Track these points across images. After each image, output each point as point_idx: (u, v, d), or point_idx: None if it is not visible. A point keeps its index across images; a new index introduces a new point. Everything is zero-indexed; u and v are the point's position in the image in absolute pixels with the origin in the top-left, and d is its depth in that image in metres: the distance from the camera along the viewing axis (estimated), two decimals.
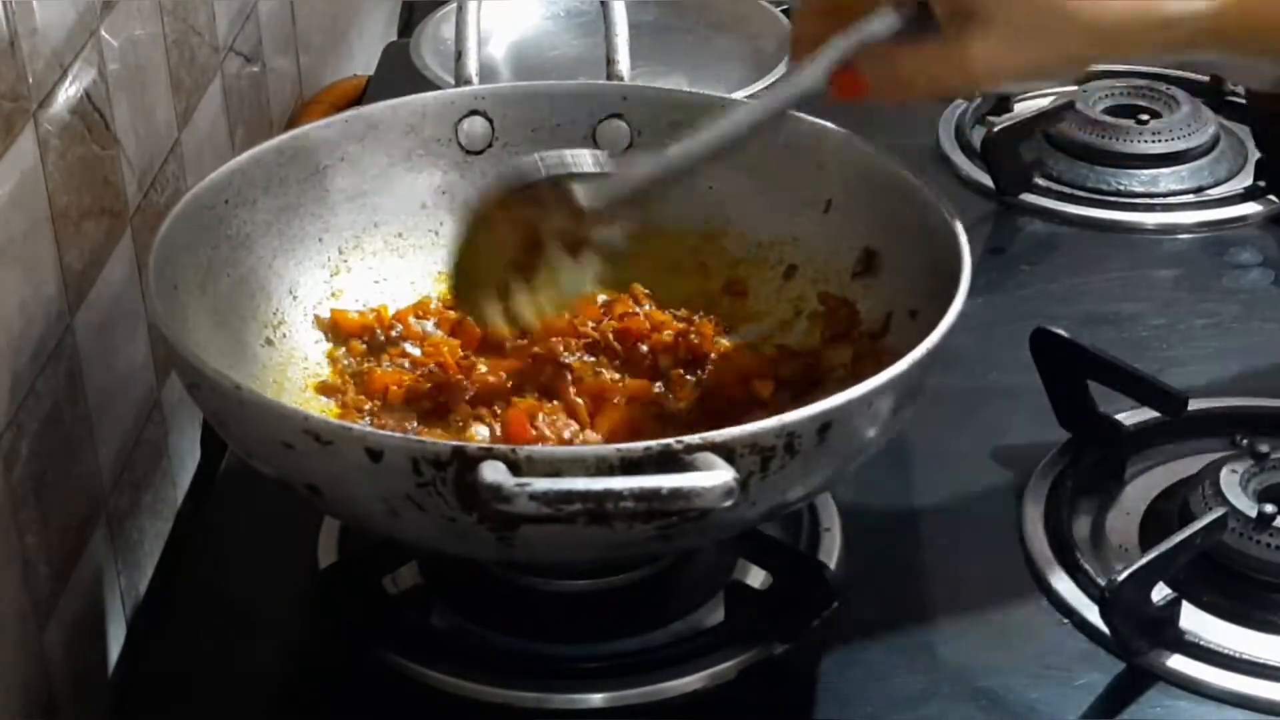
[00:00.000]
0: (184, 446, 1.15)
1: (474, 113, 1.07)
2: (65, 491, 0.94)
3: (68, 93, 0.94)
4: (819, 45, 0.88)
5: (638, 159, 0.92)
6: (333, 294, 1.03)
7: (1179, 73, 1.45)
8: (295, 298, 1.01)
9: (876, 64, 0.88)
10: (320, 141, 1.04)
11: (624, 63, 1.12)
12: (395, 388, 0.96)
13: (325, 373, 1.00)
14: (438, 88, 1.25)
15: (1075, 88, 1.40)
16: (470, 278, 0.94)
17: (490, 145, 1.07)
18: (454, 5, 1.17)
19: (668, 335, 1.00)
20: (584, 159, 0.92)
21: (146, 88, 1.07)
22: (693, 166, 0.91)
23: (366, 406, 0.96)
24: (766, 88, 0.91)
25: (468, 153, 1.07)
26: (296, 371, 0.99)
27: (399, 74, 1.44)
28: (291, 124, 1.40)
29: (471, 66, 1.11)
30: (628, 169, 0.92)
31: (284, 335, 1.00)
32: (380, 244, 1.06)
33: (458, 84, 1.10)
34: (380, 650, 0.90)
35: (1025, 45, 0.85)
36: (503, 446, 0.75)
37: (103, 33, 0.99)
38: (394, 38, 1.70)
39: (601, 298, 1.03)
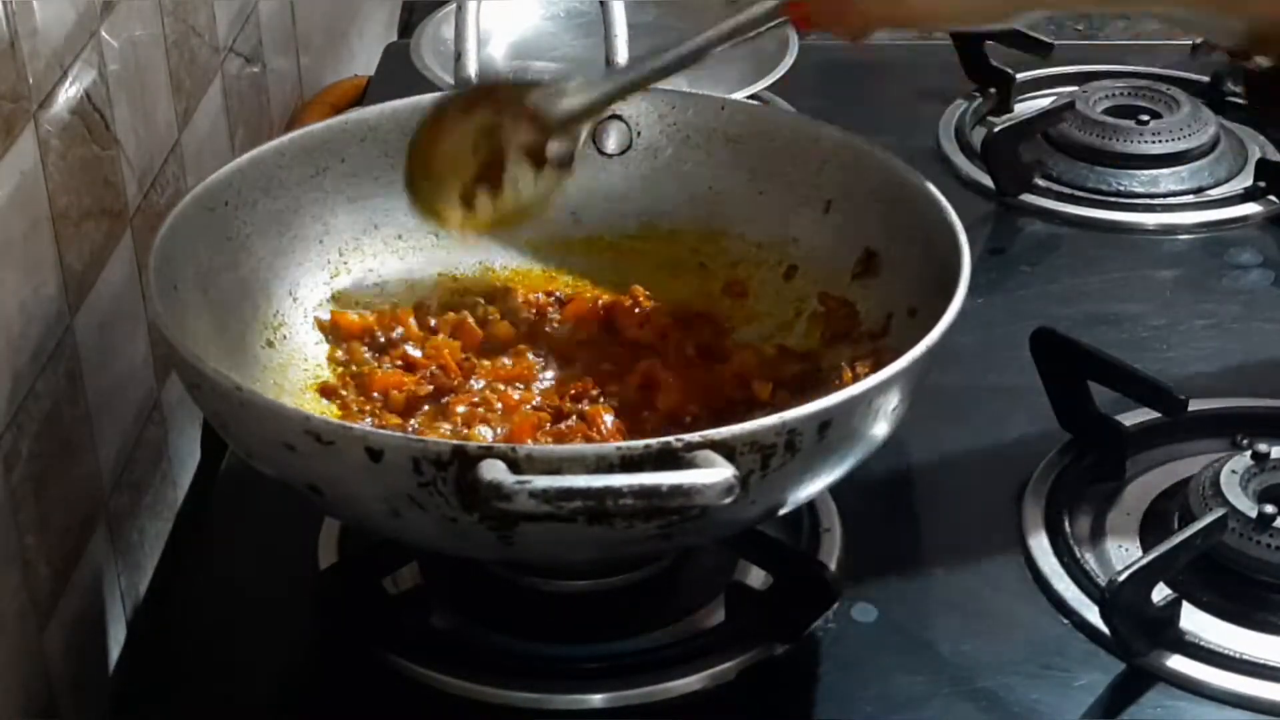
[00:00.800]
0: (184, 447, 1.15)
1: None
2: (65, 492, 0.94)
3: (68, 93, 0.94)
4: None
5: (597, 78, 0.97)
6: (333, 295, 1.03)
7: (1179, 73, 1.45)
8: (295, 299, 1.01)
9: (827, 2, 0.90)
10: (320, 143, 1.04)
11: (624, 63, 1.12)
12: (396, 391, 0.96)
13: (326, 374, 1.00)
14: (438, 88, 1.24)
15: (1076, 88, 1.40)
16: (429, 176, 0.96)
17: None
18: (453, 6, 1.17)
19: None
20: (546, 71, 0.94)
21: (146, 88, 1.07)
22: (648, 83, 0.96)
23: (368, 408, 0.96)
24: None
25: None
26: (297, 373, 0.99)
27: (399, 75, 1.44)
28: (292, 125, 1.40)
29: (471, 67, 1.11)
30: (588, 83, 0.95)
31: (284, 336, 1.00)
32: (380, 245, 1.05)
33: (457, 85, 1.10)
34: (380, 650, 0.90)
35: None
36: (503, 445, 0.75)
37: (103, 33, 0.99)
38: (394, 38, 1.70)
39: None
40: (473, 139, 0.95)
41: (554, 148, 0.94)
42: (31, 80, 0.89)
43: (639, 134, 1.07)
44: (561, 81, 0.95)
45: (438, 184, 0.96)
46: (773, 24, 0.93)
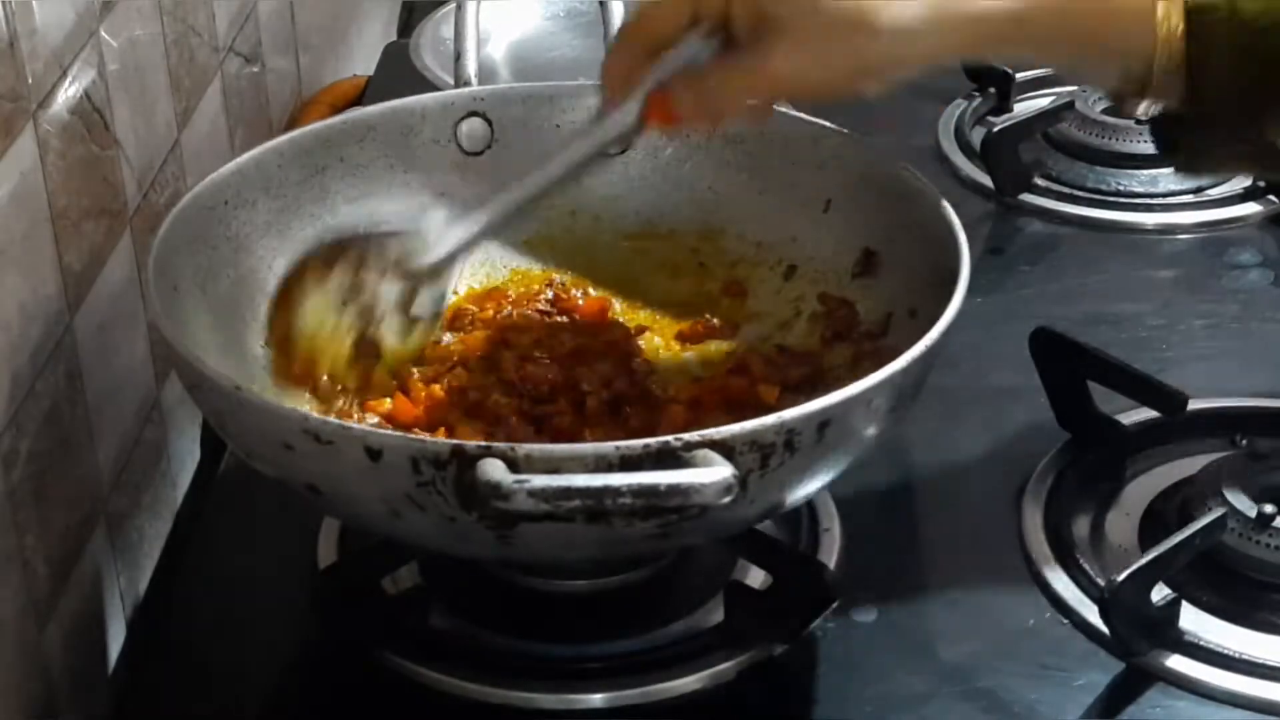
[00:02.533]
0: (184, 447, 1.15)
1: (473, 114, 1.07)
2: (65, 492, 0.94)
3: (67, 93, 0.94)
4: (629, 86, 0.88)
5: (455, 222, 0.93)
6: None
7: None
8: None
9: (686, 90, 0.87)
10: (320, 143, 1.04)
11: None
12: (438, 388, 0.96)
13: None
14: (437, 88, 1.24)
15: (1075, 88, 1.40)
16: (298, 346, 0.92)
17: (489, 146, 1.07)
18: (453, 6, 1.17)
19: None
20: (400, 220, 0.93)
21: (146, 88, 1.07)
22: (506, 222, 0.93)
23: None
24: (577, 132, 0.93)
25: (467, 154, 1.07)
26: None
27: (399, 74, 1.44)
28: (291, 124, 1.40)
29: (470, 67, 1.11)
30: (447, 229, 0.92)
31: None
32: None
33: (456, 85, 1.10)
34: (379, 650, 0.90)
35: (826, 53, 0.83)
36: (501, 445, 0.75)
37: (102, 33, 0.99)
38: (394, 38, 1.70)
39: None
40: (338, 300, 0.91)
41: (423, 302, 0.93)
42: (31, 80, 0.89)
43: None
44: (417, 232, 0.92)
45: (310, 354, 0.92)
46: (637, 133, 0.89)
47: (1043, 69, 1.42)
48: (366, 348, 0.92)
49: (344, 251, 0.92)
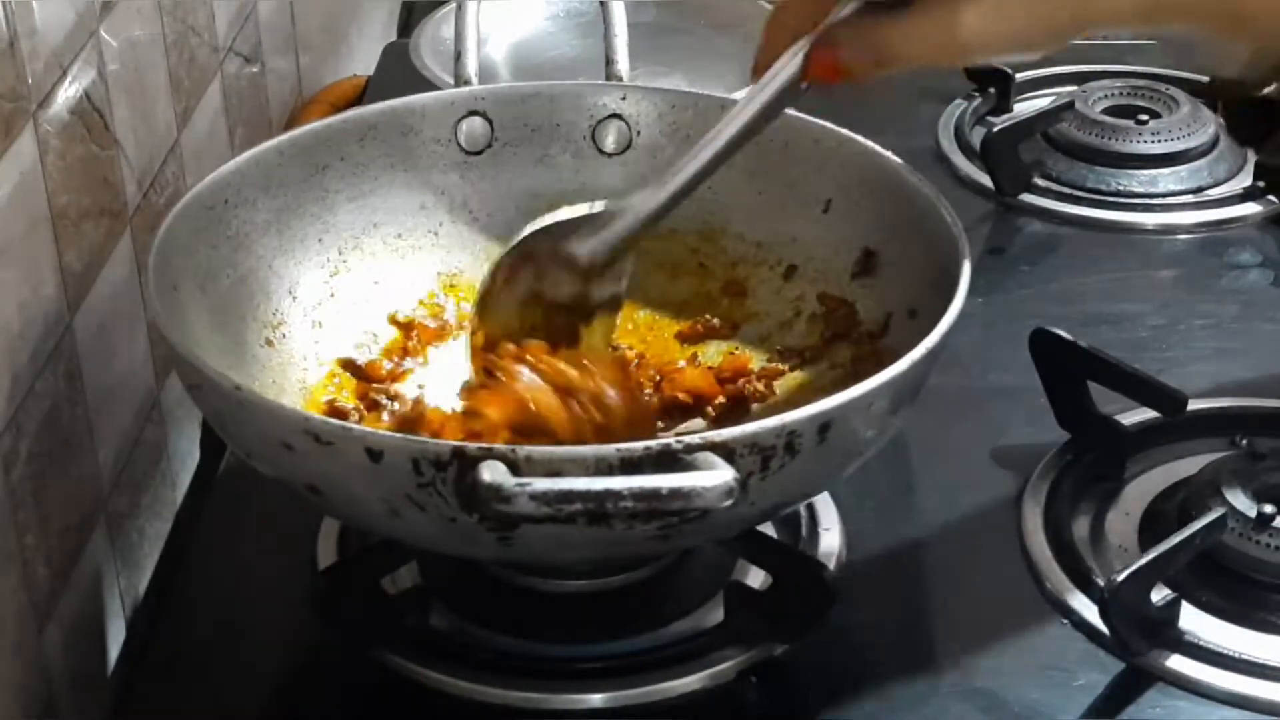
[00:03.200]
0: (184, 447, 1.15)
1: (473, 113, 1.07)
2: (65, 492, 0.94)
3: (67, 93, 0.94)
4: (792, 40, 0.86)
5: (626, 204, 0.91)
6: (332, 294, 1.03)
7: (1179, 73, 1.45)
8: (295, 298, 1.01)
9: (857, 38, 0.85)
10: (319, 142, 1.04)
11: (623, 63, 1.12)
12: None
13: (323, 374, 1.00)
14: (437, 88, 1.25)
15: (1075, 88, 1.40)
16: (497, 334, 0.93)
17: (489, 146, 1.08)
18: (453, 6, 1.17)
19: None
20: (575, 209, 0.93)
21: (146, 88, 1.07)
22: (676, 201, 0.90)
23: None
24: (743, 94, 0.90)
25: (467, 153, 1.07)
26: (296, 372, 0.99)
27: (399, 74, 1.44)
28: (291, 124, 1.40)
29: (470, 67, 1.11)
30: (617, 214, 0.91)
31: (283, 336, 1.00)
32: (380, 245, 1.05)
33: (457, 84, 1.10)
34: (379, 650, 0.90)
35: (1013, 12, 0.82)
36: (502, 446, 0.75)
37: (102, 33, 0.99)
38: (394, 38, 1.70)
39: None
40: (519, 314, 0.93)
41: (598, 294, 0.93)
42: (31, 80, 0.89)
43: (639, 133, 1.07)
44: (595, 216, 0.92)
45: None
46: (803, 89, 0.86)
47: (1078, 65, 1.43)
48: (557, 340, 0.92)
49: (528, 248, 0.92)
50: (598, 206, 0.92)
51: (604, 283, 0.93)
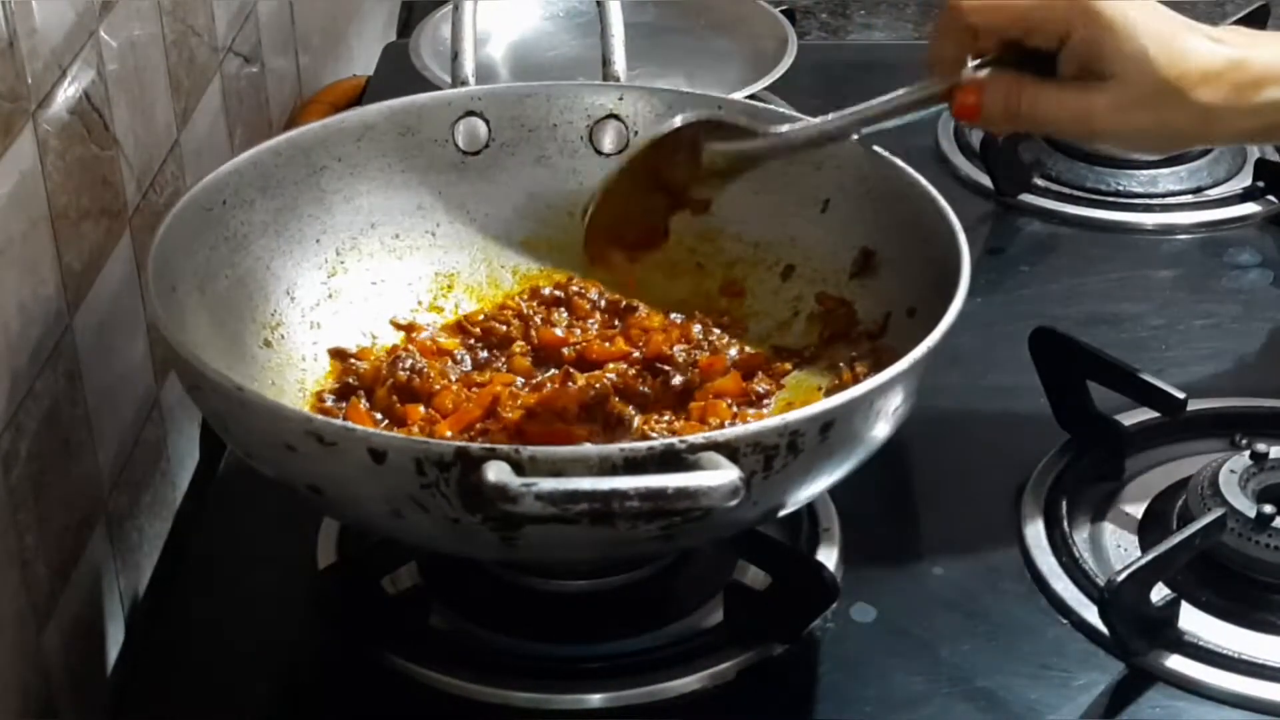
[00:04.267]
0: (183, 447, 1.15)
1: (470, 114, 1.07)
2: (64, 492, 0.94)
3: (67, 93, 0.94)
4: (954, 68, 0.94)
5: (771, 129, 0.97)
6: (330, 295, 1.03)
7: None
8: (293, 299, 1.01)
9: (1000, 91, 0.92)
10: (318, 142, 1.04)
11: (620, 63, 1.12)
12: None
13: (323, 375, 1.00)
14: (437, 88, 1.24)
15: None
16: (601, 217, 0.96)
17: (487, 146, 1.08)
18: (452, 5, 1.17)
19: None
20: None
21: (145, 88, 1.07)
22: (816, 142, 0.97)
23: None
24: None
25: (465, 154, 1.07)
26: (294, 372, 0.99)
27: (398, 74, 1.44)
28: (290, 124, 1.40)
29: (468, 67, 1.11)
30: (759, 135, 0.97)
31: (282, 336, 1.00)
32: (377, 245, 1.05)
33: (454, 84, 1.10)
34: (379, 650, 0.90)
35: (1142, 111, 0.90)
36: (505, 446, 0.75)
37: (102, 33, 0.99)
38: (393, 38, 1.70)
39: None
40: (634, 190, 0.96)
41: (698, 191, 0.97)
42: (30, 80, 0.89)
43: (636, 133, 1.07)
44: (743, 129, 0.97)
45: (609, 235, 0.97)
46: (937, 107, 0.95)
47: None
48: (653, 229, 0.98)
49: (678, 131, 0.96)
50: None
51: (709, 184, 0.97)
